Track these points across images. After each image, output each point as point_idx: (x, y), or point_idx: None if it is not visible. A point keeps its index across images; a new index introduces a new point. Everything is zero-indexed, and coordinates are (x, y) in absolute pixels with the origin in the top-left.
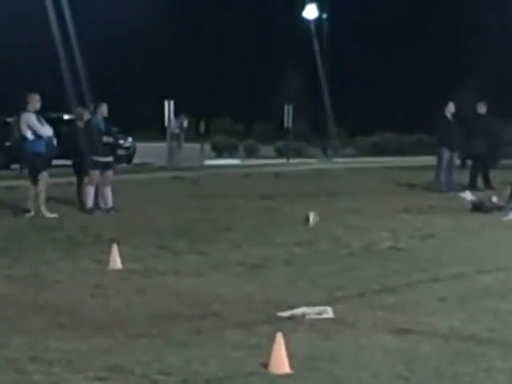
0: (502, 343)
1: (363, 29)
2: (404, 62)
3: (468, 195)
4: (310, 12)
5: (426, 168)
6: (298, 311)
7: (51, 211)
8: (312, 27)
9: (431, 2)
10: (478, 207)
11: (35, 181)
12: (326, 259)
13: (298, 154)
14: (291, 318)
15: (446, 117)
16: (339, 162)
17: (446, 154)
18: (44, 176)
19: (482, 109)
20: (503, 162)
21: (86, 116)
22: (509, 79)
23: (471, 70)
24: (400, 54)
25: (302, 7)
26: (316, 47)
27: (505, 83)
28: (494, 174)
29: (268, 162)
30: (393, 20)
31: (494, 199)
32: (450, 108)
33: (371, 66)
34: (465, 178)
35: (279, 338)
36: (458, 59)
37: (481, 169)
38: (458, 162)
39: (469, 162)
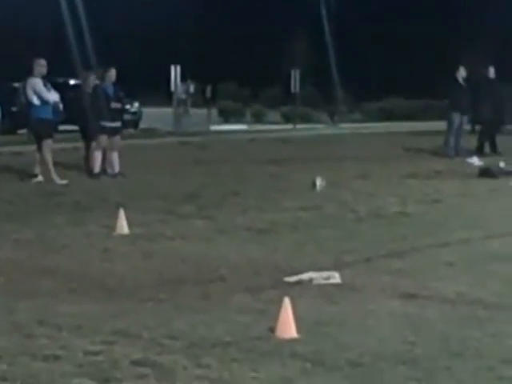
0: (509, 308)
1: None
2: (412, 26)
3: (475, 160)
4: None
5: (434, 133)
6: (305, 276)
7: (59, 177)
8: None
9: None
10: (485, 172)
11: (41, 147)
12: (332, 224)
13: (305, 119)
14: (298, 282)
15: (457, 81)
16: (346, 128)
17: (457, 118)
18: (48, 143)
19: (491, 73)
20: (509, 127)
21: (93, 81)
22: None
23: (481, 33)
24: (408, 17)
25: None
26: (323, 11)
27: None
28: (500, 140)
29: (275, 127)
30: None
31: (502, 164)
32: (462, 72)
33: (379, 30)
34: (472, 143)
35: (286, 303)
36: (467, 22)
37: (488, 134)
38: (467, 127)
39: (477, 127)
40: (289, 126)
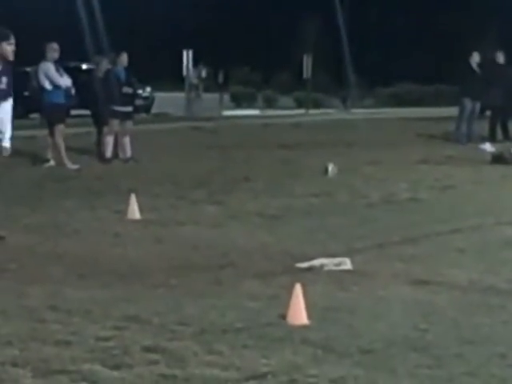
0: None
1: None
2: (425, 12)
3: (488, 146)
4: None
5: (446, 119)
6: (317, 262)
7: (71, 162)
8: None
9: None
10: (497, 159)
11: (53, 131)
12: (344, 210)
13: (317, 104)
14: (309, 269)
15: (470, 67)
16: (358, 113)
17: (469, 104)
18: (60, 128)
19: (500, 58)
20: None
21: (105, 65)
22: None
23: (492, 19)
24: (421, 3)
25: None
26: None
27: None
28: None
29: (287, 112)
30: None
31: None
32: (475, 58)
33: (392, 16)
34: (484, 129)
35: (297, 289)
36: (480, 8)
37: (500, 120)
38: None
39: (488, 113)
40: (301, 111)
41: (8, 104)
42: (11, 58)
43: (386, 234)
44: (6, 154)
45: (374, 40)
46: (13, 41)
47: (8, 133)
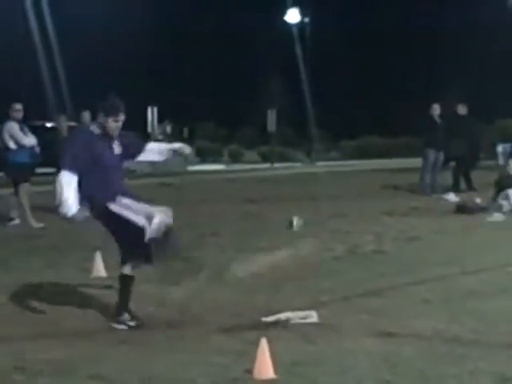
0: (486, 345)
1: (346, 32)
2: (387, 66)
3: (452, 197)
4: (292, 16)
5: (411, 170)
6: (283, 316)
7: (36, 220)
8: (294, 31)
9: (413, 5)
10: (461, 209)
11: (18, 190)
12: (310, 263)
13: (283, 158)
14: (276, 323)
15: (432, 118)
16: (323, 166)
17: (432, 155)
18: (25, 187)
19: (462, 110)
20: (484, 163)
21: (64, 122)
22: (490, 80)
23: (454, 71)
24: (383, 56)
25: (285, 11)
26: (298, 51)
27: (486, 84)
28: (475, 175)
29: (252, 166)
30: (375, 22)
31: (478, 200)
32: (436, 109)
33: (355, 70)
34: (448, 179)
35: (263, 344)
36: (441, 60)
37: (462, 170)
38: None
39: (451, 164)
40: (266, 165)
41: None
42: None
43: (352, 287)
44: None
45: (338, 94)
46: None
47: None
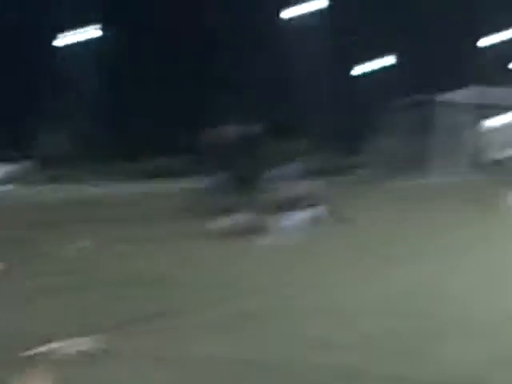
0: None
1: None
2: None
3: (232, 219)
4: None
5: (184, 192)
6: (54, 346)
7: None
8: None
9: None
10: (239, 230)
11: None
12: (86, 288)
13: None
14: (45, 354)
15: (215, 139)
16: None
17: (214, 176)
18: None
19: (246, 130)
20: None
21: None
22: (276, 97)
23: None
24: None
25: None
26: None
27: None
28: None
29: None
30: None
31: (255, 221)
32: (219, 131)
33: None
34: (227, 200)
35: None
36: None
37: (243, 191)
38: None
39: (231, 186)
40: None
41: None
42: None
43: (131, 312)
44: None
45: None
46: None
47: None
